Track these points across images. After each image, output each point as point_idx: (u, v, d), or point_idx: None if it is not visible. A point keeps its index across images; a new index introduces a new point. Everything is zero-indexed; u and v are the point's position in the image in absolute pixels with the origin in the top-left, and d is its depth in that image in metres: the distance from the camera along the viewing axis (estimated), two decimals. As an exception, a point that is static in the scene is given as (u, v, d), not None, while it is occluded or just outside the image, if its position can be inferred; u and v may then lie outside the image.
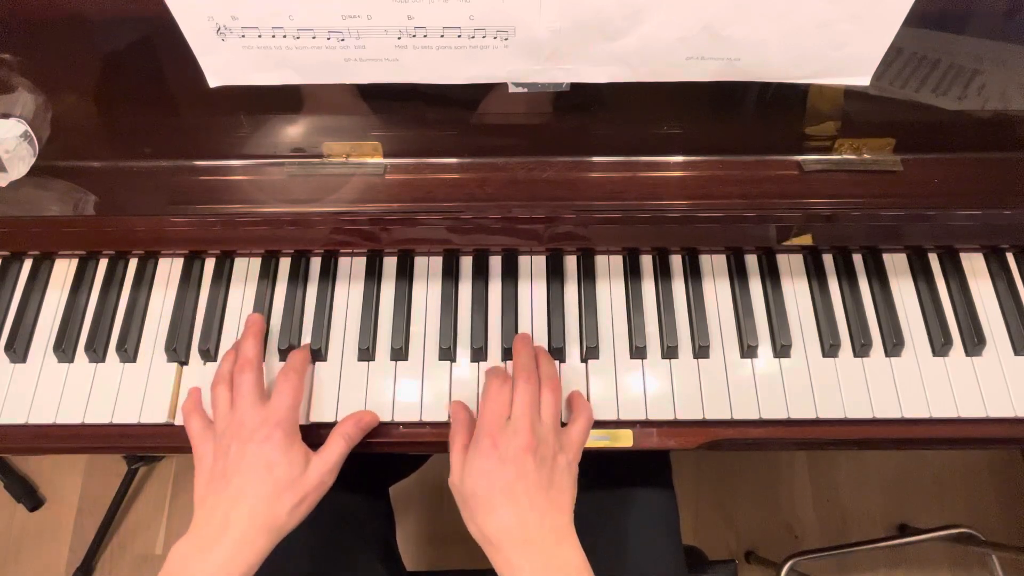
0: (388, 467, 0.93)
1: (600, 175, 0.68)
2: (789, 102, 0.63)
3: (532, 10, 0.52)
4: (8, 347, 0.72)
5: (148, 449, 0.79)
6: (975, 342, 0.70)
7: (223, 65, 0.57)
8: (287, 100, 0.64)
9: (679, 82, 0.58)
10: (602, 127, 0.67)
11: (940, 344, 0.70)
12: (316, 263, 0.76)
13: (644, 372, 0.70)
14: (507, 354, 0.71)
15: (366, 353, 0.71)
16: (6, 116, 0.62)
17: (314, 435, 0.66)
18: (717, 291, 0.74)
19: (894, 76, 0.61)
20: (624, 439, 0.68)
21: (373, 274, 0.74)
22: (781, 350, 0.71)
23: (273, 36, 0.54)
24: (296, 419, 0.64)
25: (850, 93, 0.62)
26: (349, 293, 0.74)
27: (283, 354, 0.71)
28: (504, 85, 0.60)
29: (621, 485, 0.81)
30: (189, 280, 0.75)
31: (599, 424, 0.68)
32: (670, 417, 0.68)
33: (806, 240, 0.73)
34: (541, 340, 0.72)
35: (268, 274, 0.75)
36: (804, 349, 0.71)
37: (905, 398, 0.68)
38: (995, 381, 0.69)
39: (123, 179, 0.68)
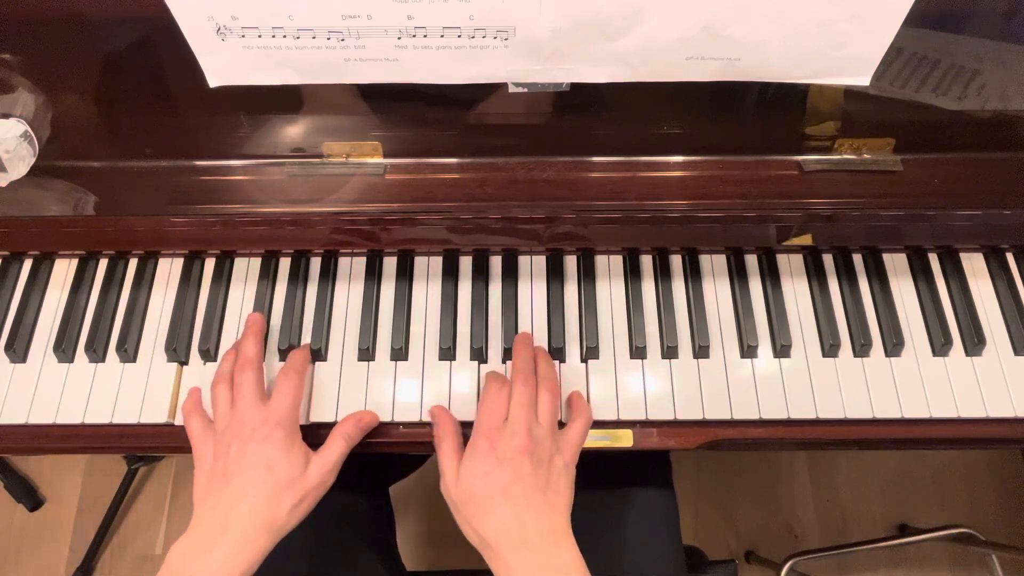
0: (388, 467, 0.93)
1: (600, 175, 0.68)
2: (789, 102, 0.63)
3: (532, 10, 0.52)
4: (8, 347, 0.72)
5: (148, 449, 0.79)
6: (975, 342, 0.70)
7: (223, 65, 0.57)
8: (287, 100, 0.64)
9: (679, 82, 0.58)
10: (602, 127, 0.67)
11: (940, 344, 0.70)
12: (316, 263, 0.76)
13: (644, 372, 0.70)
14: (507, 354, 0.71)
15: (366, 353, 0.71)
16: (6, 116, 0.62)
17: (314, 435, 0.65)
18: (717, 291, 0.74)
19: (894, 76, 0.61)
20: (624, 439, 0.68)
21: (373, 274, 0.74)
22: (781, 350, 0.71)
23: (273, 36, 0.54)
24: (296, 418, 0.64)
25: (850, 93, 0.62)
26: (349, 293, 0.74)
27: (283, 354, 0.71)
28: (504, 85, 0.60)
29: (621, 485, 0.81)
30: (189, 280, 0.75)
31: (599, 424, 0.68)
32: (670, 417, 0.68)
33: (806, 240, 0.73)
34: (541, 340, 0.72)
35: (268, 274, 0.75)
36: (804, 349, 0.71)
37: (905, 398, 0.68)
38: (995, 381, 0.69)
39: (123, 179, 0.68)
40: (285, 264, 0.76)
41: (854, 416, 0.68)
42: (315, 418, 0.68)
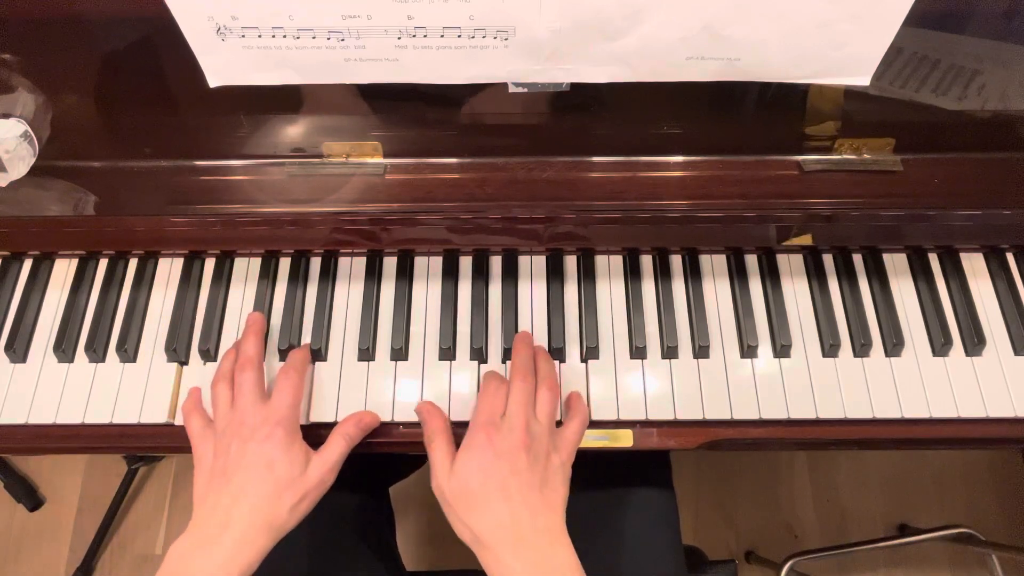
0: (388, 467, 0.93)
1: (600, 175, 0.68)
2: (789, 102, 0.63)
3: (532, 10, 0.52)
4: (8, 347, 0.72)
5: (148, 449, 0.79)
6: (975, 342, 0.70)
7: (223, 65, 0.57)
8: (287, 100, 0.64)
9: (679, 82, 0.58)
10: (602, 127, 0.67)
11: (940, 344, 0.70)
12: (316, 263, 0.76)
13: (644, 372, 0.70)
14: (507, 354, 0.71)
15: (366, 353, 0.71)
16: (6, 116, 0.62)
17: (314, 435, 0.65)
18: (717, 291, 0.74)
19: (894, 76, 0.61)
20: (624, 439, 0.68)
21: (373, 274, 0.74)
22: (781, 350, 0.71)
23: (273, 36, 0.54)
24: (297, 418, 0.64)
25: (850, 93, 0.62)
26: (349, 293, 0.74)
27: (283, 354, 0.71)
28: (504, 85, 0.60)
29: (621, 485, 0.81)
30: (189, 280, 0.75)
31: (600, 424, 0.68)
32: (670, 417, 0.68)
33: (806, 240, 0.73)
34: (541, 340, 0.72)
35: (268, 274, 0.75)
36: (804, 349, 0.71)
37: (905, 398, 0.68)
38: (995, 381, 0.69)
39: (123, 179, 0.68)
40: (285, 264, 0.76)
41: (854, 416, 0.68)
42: (315, 418, 0.68)
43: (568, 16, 0.53)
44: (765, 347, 0.71)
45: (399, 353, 0.71)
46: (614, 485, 0.81)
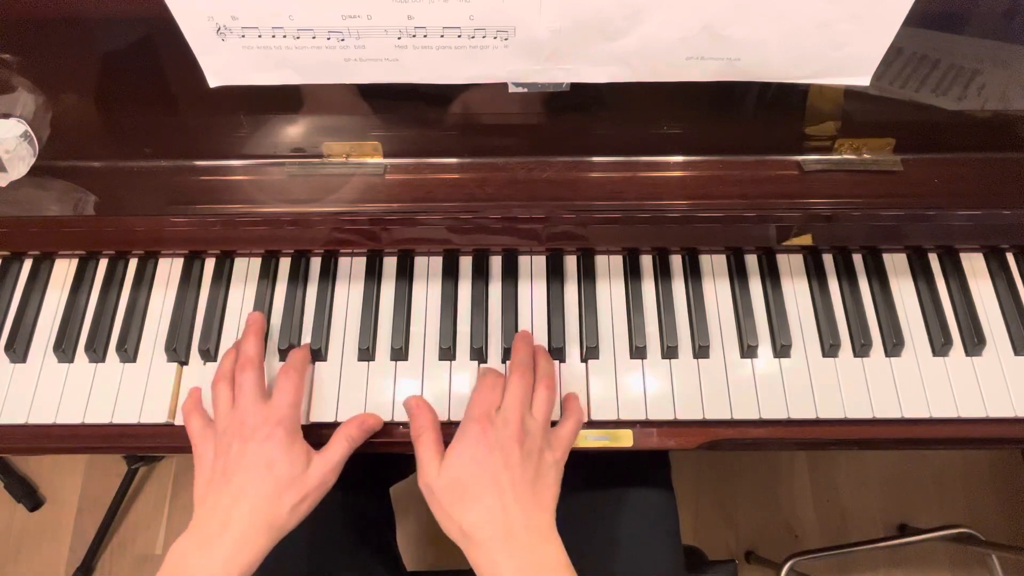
0: (389, 467, 0.93)
1: (600, 175, 0.68)
2: (789, 102, 0.63)
3: (532, 10, 0.52)
4: (8, 347, 0.72)
5: (148, 449, 0.79)
6: (975, 342, 0.70)
7: (223, 65, 0.57)
8: (287, 100, 0.64)
9: (679, 82, 0.58)
10: (602, 127, 0.67)
11: (940, 344, 0.70)
12: (316, 263, 0.76)
13: (644, 372, 0.70)
14: (507, 354, 0.71)
15: (366, 353, 0.71)
16: (6, 116, 0.62)
17: (314, 435, 0.65)
18: (717, 291, 0.74)
19: (894, 76, 0.61)
20: (624, 439, 0.68)
21: (373, 274, 0.74)
22: (781, 350, 0.71)
23: (273, 36, 0.54)
24: (297, 417, 0.64)
25: (850, 93, 0.62)
26: (349, 293, 0.74)
27: (283, 354, 0.71)
28: (504, 85, 0.60)
29: (620, 485, 0.81)
30: (189, 280, 0.75)
31: (600, 424, 0.68)
32: (670, 417, 0.68)
33: (806, 240, 0.73)
34: (541, 340, 0.72)
35: (268, 274, 0.75)
36: (804, 349, 0.71)
37: (905, 398, 0.68)
38: (995, 381, 0.69)
39: (123, 179, 0.68)
40: (285, 264, 0.76)
41: (854, 416, 0.68)
42: (315, 418, 0.68)
43: (568, 16, 0.53)
44: (765, 347, 0.71)
45: (399, 353, 0.71)
46: (614, 485, 0.81)
